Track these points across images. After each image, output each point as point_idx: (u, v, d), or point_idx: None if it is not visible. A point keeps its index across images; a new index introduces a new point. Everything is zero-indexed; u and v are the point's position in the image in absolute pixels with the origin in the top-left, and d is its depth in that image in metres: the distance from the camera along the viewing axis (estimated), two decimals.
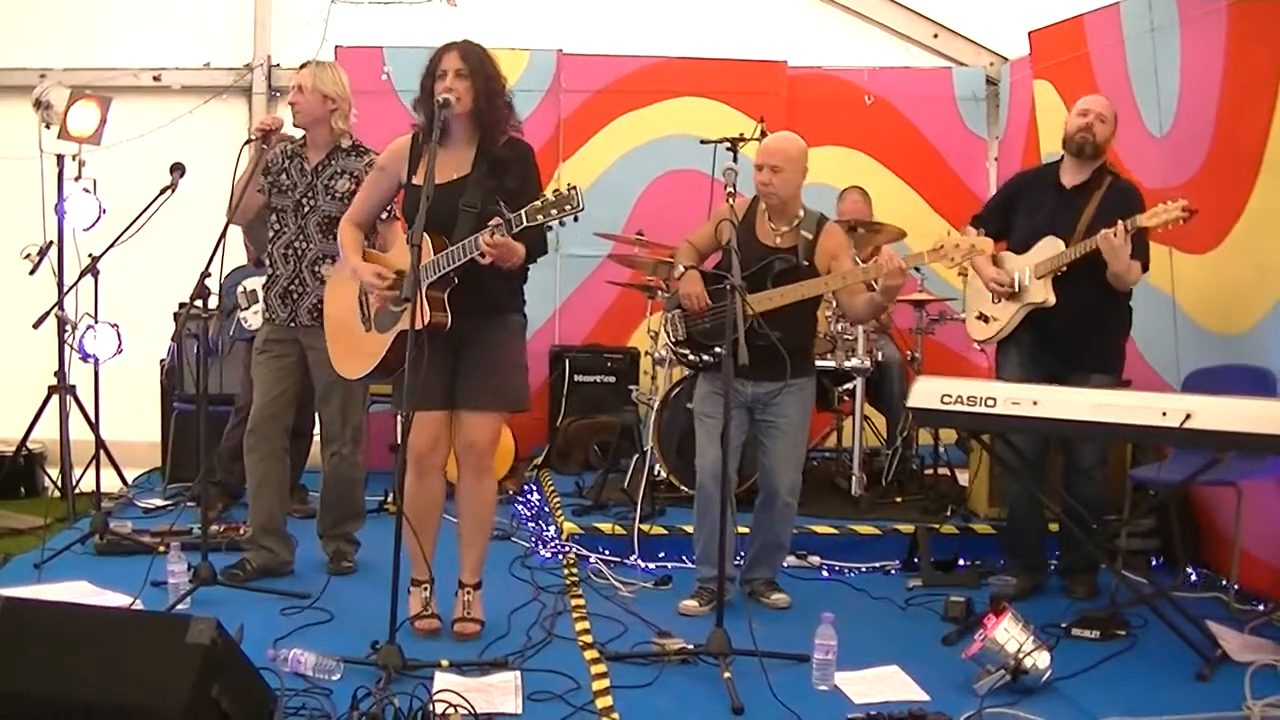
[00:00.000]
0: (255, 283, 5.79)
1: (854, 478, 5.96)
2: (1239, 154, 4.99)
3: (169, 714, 2.95)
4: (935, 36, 7.90)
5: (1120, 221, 4.57)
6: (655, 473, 5.81)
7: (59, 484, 6.18)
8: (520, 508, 6.27)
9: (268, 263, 4.96)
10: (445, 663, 3.88)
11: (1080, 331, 4.79)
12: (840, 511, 5.77)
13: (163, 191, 5.16)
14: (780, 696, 3.67)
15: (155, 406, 6.77)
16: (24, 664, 3.08)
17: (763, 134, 5.62)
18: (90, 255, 5.67)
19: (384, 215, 4.51)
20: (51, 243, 6.01)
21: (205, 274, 4.52)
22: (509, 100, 4.19)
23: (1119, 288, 4.75)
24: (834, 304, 5.71)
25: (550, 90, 7.49)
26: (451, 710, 3.45)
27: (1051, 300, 4.80)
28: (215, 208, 5.81)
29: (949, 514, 5.75)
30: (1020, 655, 3.79)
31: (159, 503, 6.21)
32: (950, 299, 6.56)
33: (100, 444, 6.00)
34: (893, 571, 5.40)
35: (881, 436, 6.53)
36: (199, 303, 4.52)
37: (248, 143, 4.92)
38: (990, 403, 4.30)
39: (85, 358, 6.05)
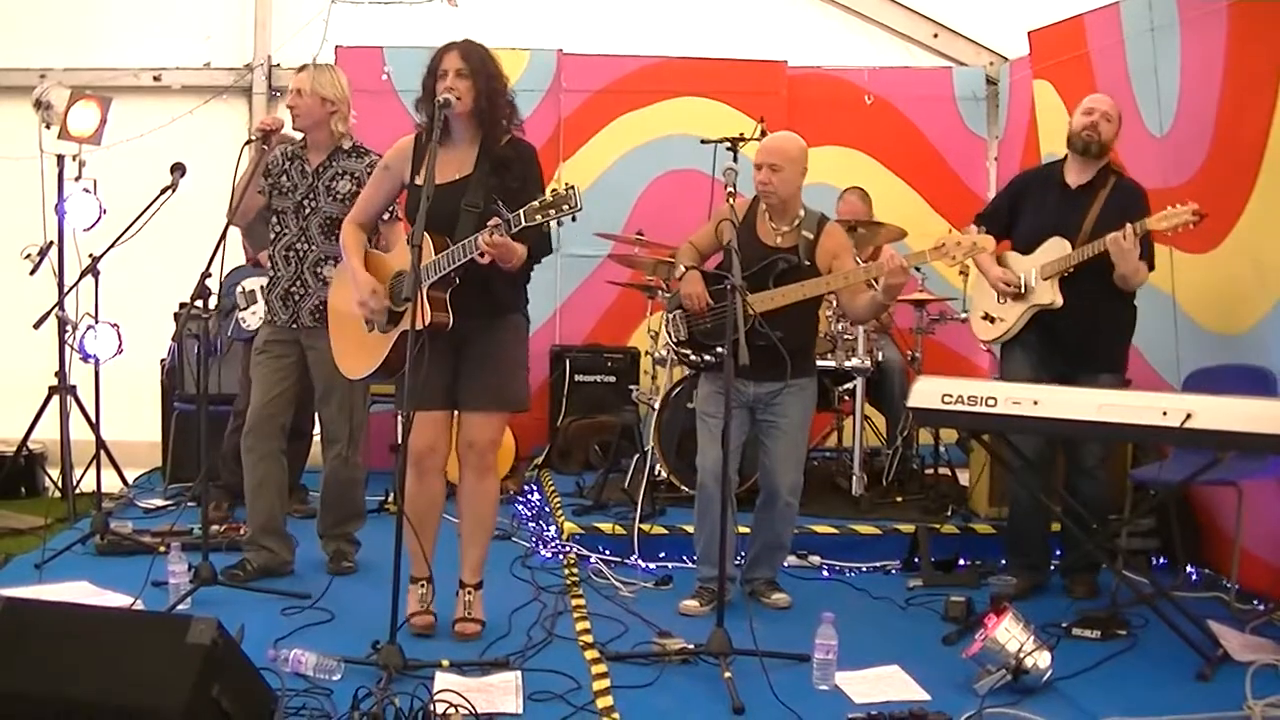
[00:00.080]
0: (254, 283, 5.79)
1: (854, 477, 5.96)
2: (1239, 154, 4.99)
3: (170, 714, 2.95)
4: (935, 36, 7.91)
5: (1129, 224, 4.57)
6: (656, 473, 5.81)
7: (60, 484, 6.19)
8: (521, 508, 6.27)
9: (268, 264, 4.96)
10: (446, 663, 3.88)
11: (1087, 332, 4.79)
12: (841, 511, 5.77)
13: (163, 191, 5.15)
14: (781, 696, 3.67)
15: (156, 406, 6.77)
16: (24, 664, 3.08)
17: (763, 134, 5.62)
18: (91, 255, 5.66)
19: (386, 216, 4.51)
20: (52, 243, 6.01)
21: (206, 274, 4.52)
22: (511, 100, 4.19)
23: (1125, 289, 4.76)
24: (834, 304, 5.71)
25: (550, 90, 7.49)
26: (452, 710, 3.45)
27: (1059, 302, 4.80)
28: (215, 208, 5.80)
29: (949, 514, 5.75)
30: (1021, 655, 3.79)
31: (159, 503, 6.22)
32: (950, 299, 6.55)
33: (101, 444, 6.00)
34: (893, 571, 5.40)
35: (882, 436, 6.53)
36: (199, 303, 4.52)
37: (248, 143, 4.93)
38: (991, 402, 4.30)
39: (86, 358, 6.04)
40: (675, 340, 4.91)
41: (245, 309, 5.84)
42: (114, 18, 7.47)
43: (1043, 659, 3.83)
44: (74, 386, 6.12)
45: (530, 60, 7.40)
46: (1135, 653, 4.28)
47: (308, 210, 4.86)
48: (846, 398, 6.19)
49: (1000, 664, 3.81)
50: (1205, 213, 4.53)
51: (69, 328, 5.98)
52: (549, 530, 5.73)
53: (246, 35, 7.60)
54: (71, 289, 5.86)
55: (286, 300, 4.86)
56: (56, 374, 6.09)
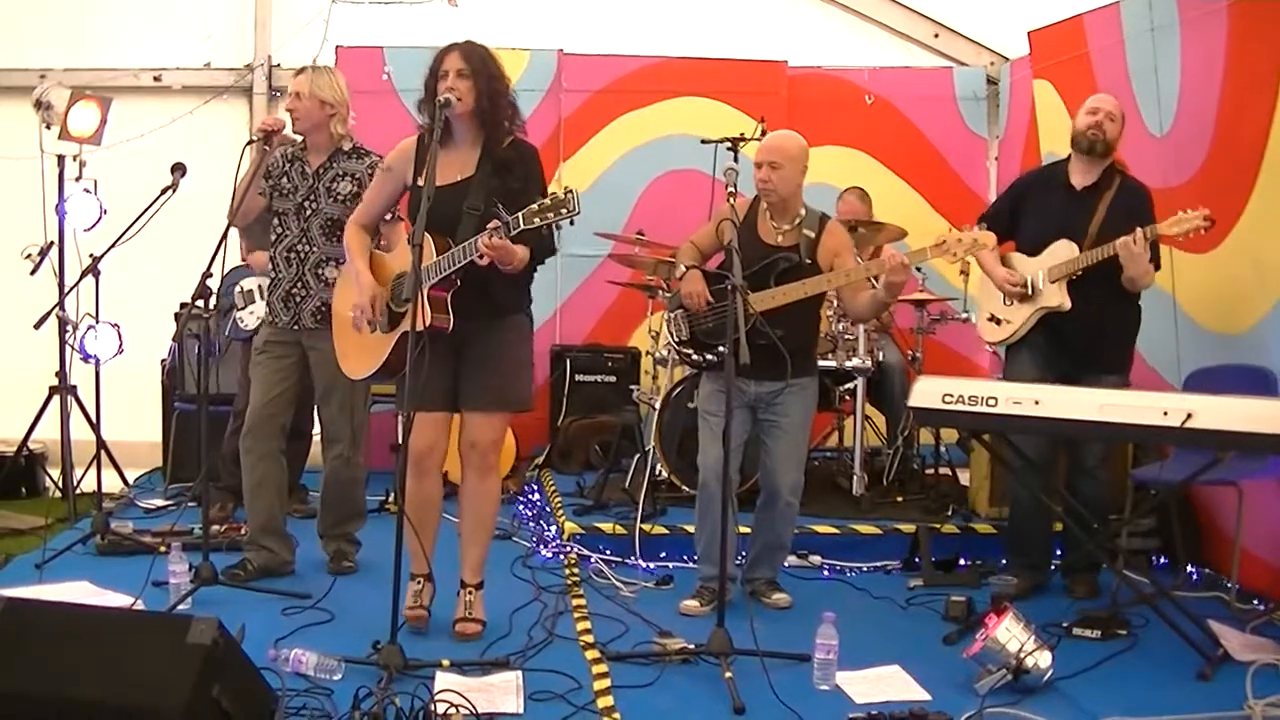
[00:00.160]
0: (252, 283, 5.80)
1: (855, 477, 5.96)
2: (1239, 154, 4.99)
3: (170, 714, 2.95)
4: (936, 36, 7.91)
5: (1140, 229, 4.57)
6: (656, 472, 5.81)
7: (60, 484, 6.19)
8: (521, 507, 6.27)
9: (263, 265, 4.95)
10: (446, 662, 3.88)
11: (1094, 334, 4.79)
12: (841, 511, 5.77)
13: (163, 192, 5.16)
14: (781, 696, 3.67)
15: (156, 406, 6.78)
16: (25, 664, 3.08)
17: (763, 134, 5.60)
18: (91, 255, 5.66)
19: (388, 217, 4.51)
20: (52, 243, 6.01)
21: (206, 274, 4.52)
22: (513, 101, 4.19)
23: (1133, 290, 4.76)
24: (835, 303, 5.71)
25: (551, 90, 7.49)
26: (453, 710, 3.45)
27: (1068, 304, 4.79)
28: (216, 208, 5.80)
29: (950, 514, 5.74)
30: (1021, 655, 3.79)
31: (160, 503, 6.22)
32: (951, 299, 6.55)
33: (101, 444, 6.00)
34: (894, 571, 5.40)
35: (883, 436, 6.53)
36: (200, 303, 4.53)
37: (249, 144, 4.93)
38: (991, 402, 4.30)
39: (86, 358, 6.04)
40: (677, 340, 4.91)
41: (243, 309, 5.84)
42: (114, 18, 7.47)
43: (1043, 659, 3.83)
44: (74, 386, 6.12)
45: (530, 60, 7.40)
46: (1136, 652, 4.28)
47: (309, 212, 4.86)
48: (847, 397, 6.19)
49: (1001, 664, 3.81)
50: (1215, 218, 4.53)
51: (69, 328, 5.98)
52: (549, 530, 5.73)
53: (247, 35, 7.60)
54: (72, 289, 5.86)
55: (288, 301, 4.86)
56: (57, 374, 6.09)
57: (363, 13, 7.46)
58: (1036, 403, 4.24)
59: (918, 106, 7.72)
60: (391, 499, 5.99)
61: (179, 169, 5.16)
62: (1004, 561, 5.13)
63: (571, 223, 3.87)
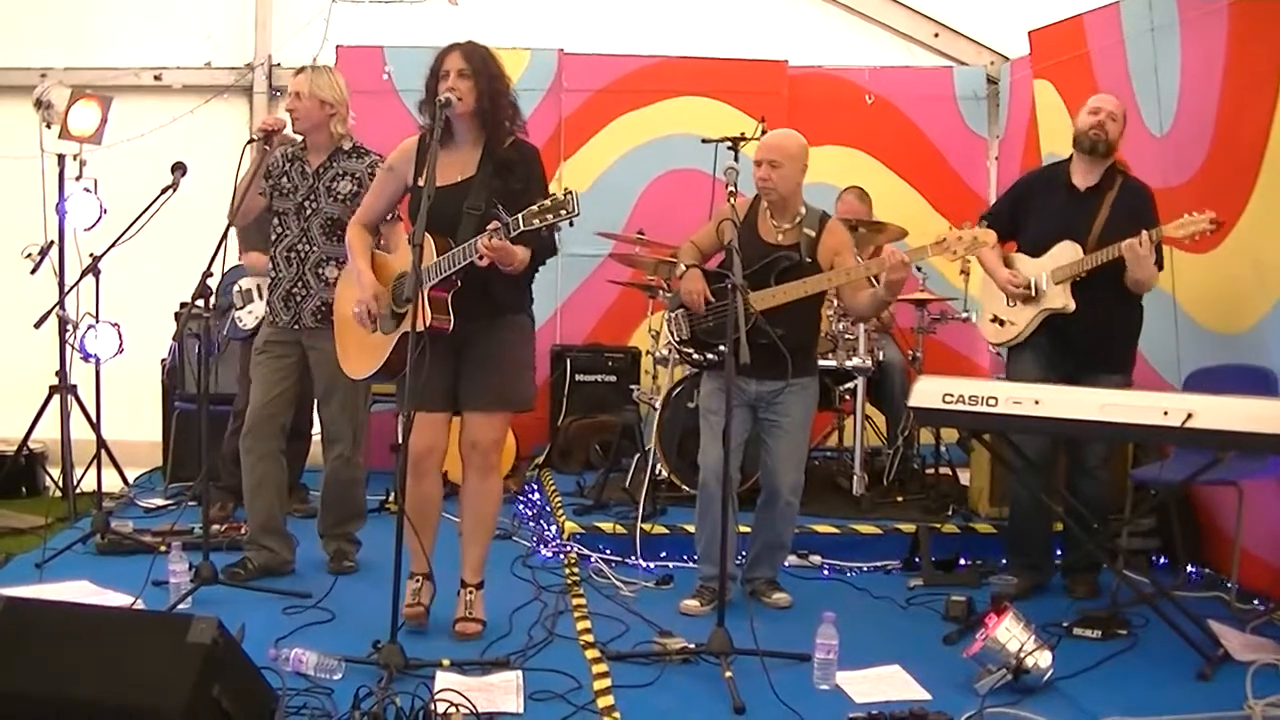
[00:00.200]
0: (250, 282, 5.80)
1: (855, 477, 5.95)
2: (1239, 154, 4.99)
3: (170, 714, 2.95)
4: (936, 36, 7.90)
5: (1145, 231, 4.56)
6: (657, 472, 5.81)
7: (60, 483, 6.19)
8: (521, 507, 6.27)
9: (269, 265, 4.96)
10: (447, 662, 3.88)
11: (1098, 335, 4.79)
12: (841, 511, 5.77)
13: (164, 191, 5.16)
14: (782, 696, 3.67)
15: (156, 406, 6.78)
16: (25, 664, 3.08)
17: (763, 133, 5.60)
18: (91, 255, 5.66)
19: (388, 217, 4.51)
20: (52, 242, 6.01)
21: (207, 273, 4.53)
22: (514, 101, 4.19)
23: (1137, 292, 4.76)
24: (835, 303, 5.71)
25: (551, 89, 7.49)
26: (453, 710, 3.45)
27: (1072, 306, 4.79)
28: (216, 207, 5.79)
29: (950, 513, 5.75)
30: (1021, 655, 3.79)
31: (160, 502, 6.22)
32: (951, 298, 6.56)
33: (101, 443, 6.00)
34: (894, 571, 5.40)
35: (883, 436, 6.53)
36: (200, 302, 4.53)
37: (249, 143, 4.92)
38: (992, 402, 4.29)
39: (86, 357, 6.04)
40: (678, 339, 4.91)
41: (241, 308, 5.84)
42: (114, 17, 7.47)
43: (1043, 659, 3.82)
44: (74, 386, 6.12)
45: (531, 60, 7.40)
46: (1136, 652, 4.28)
47: (309, 211, 4.86)
48: (847, 397, 6.19)
49: (1001, 663, 3.81)
50: (1221, 220, 4.52)
51: (70, 327, 5.98)
52: (550, 530, 5.73)
53: (247, 35, 7.60)
54: (72, 288, 5.86)
55: (288, 301, 4.86)
56: (57, 373, 6.08)
57: (363, 12, 7.46)
58: (1037, 402, 4.24)
59: (918, 106, 7.72)
60: (391, 499, 6.00)
61: (179, 168, 5.16)
62: (1004, 561, 5.13)
63: (571, 224, 3.87)
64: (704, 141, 6.11)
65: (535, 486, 6.59)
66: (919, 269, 6.46)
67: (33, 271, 5.98)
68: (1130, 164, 4.96)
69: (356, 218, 4.43)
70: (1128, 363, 4.91)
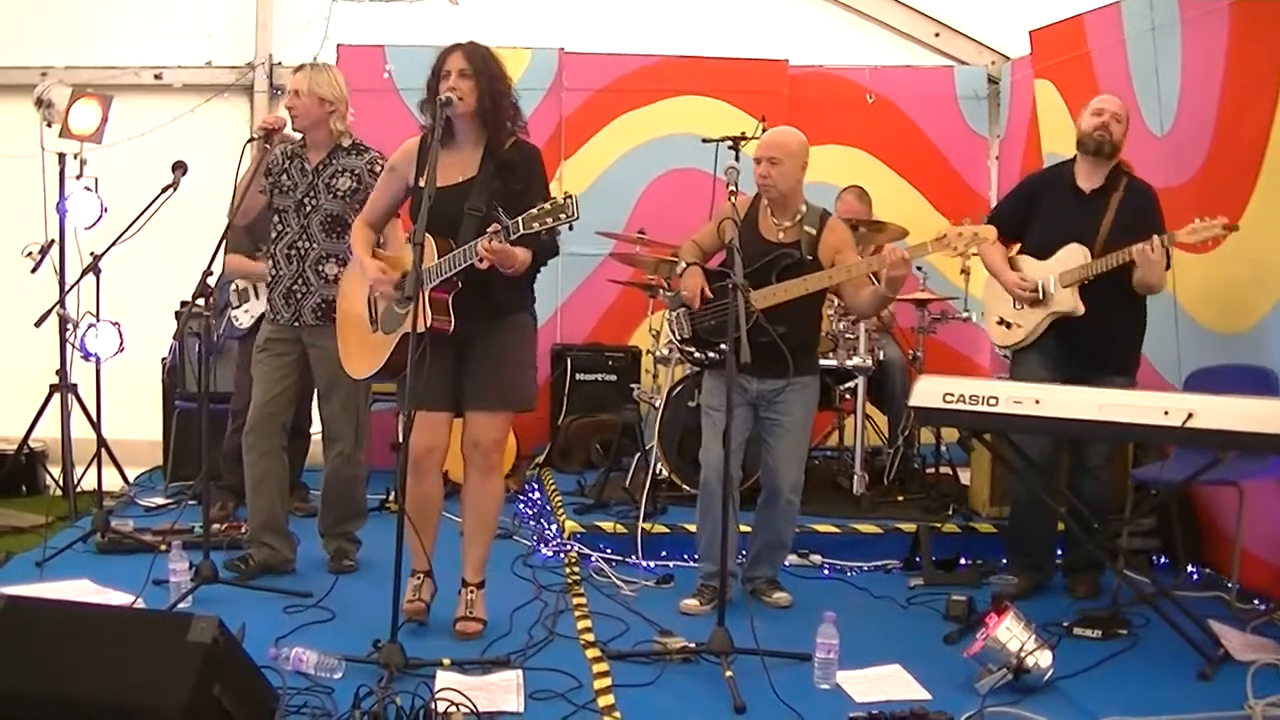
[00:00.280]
0: (246, 281, 5.80)
1: (856, 476, 5.96)
2: (1240, 153, 4.99)
3: (170, 713, 2.95)
4: (937, 35, 7.91)
5: (1156, 236, 4.56)
6: (657, 471, 5.81)
7: (60, 482, 6.19)
8: (522, 506, 6.27)
9: (269, 263, 4.96)
10: (447, 661, 3.88)
11: (1104, 337, 4.78)
12: (842, 510, 5.77)
13: (164, 190, 5.16)
14: (782, 695, 3.67)
15: (157, 405, 6.78)
16: (25, 663, 3.08)
17: (764, 133, 5.61)
18: (92, 254, 5.66)
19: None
20: (53, 241, 6.00)
21: (207, 272, 4.53)
22: (515, 102, 4.19)
23: (1144, 294, 4.77)
24: (836, 302, 5.71)
25: (552, 89, 7.49)
26: (453, 709, 3.45)
27: (1081, 309, 4.77)
28: (217, 206, 5.80)
29: (950, 513, 5.75)
30: (1022, 654, 3.79)
31: (160, 501, 6.22)
32: (952, 298, 6.56)
33: (102, 442, 6.00)
34: (894, 570, 5.40)
35: (883, 435, 6.53)
36: (200, 301, 4.53)
37: (250, 142, 4.92)
38: (992, 402, 4.29)
39: (87, 356, 6.04)
40: (679, 338, 4.91)
41: (238, 307, 5.84)
42: (115, 16, 7.47)
43: (1044, 658, 3.83)
44: (75, 385, 6.12)
45: (532, 59, 7.40)
46: (1136, 652, 4.28)
47: (308, 208, 4.86)
48: (848, 397, 6.19)
49: (1001, 663, 3.81)
50: (1234, 225, 4.51)
51: (70, 326, 5.98)
52: (550, 529, 5.73)
53: (248, 34, 7.60)
54: (73, 287, 5.86)
55: (289, 298, 4.87)
56: (58, 372, 6.08)
57: (363, 11, 7.46)
58: (1037, 402, 4.24)
59: (919, 106, 7.72)
60: (392, 498, 6.00)
61: (180, 167, 5.16)
62: (1004, 561, 5.13)
63: (570, 228, 3.89)
64: (704, 141, 6.11)
65: (536, 486, 6.60)
66: (919, 268, 6.47)
67: (33, 270, 5.98)
68: (1131, 164, 4.95)
69: (362, 216, 4.44)
70: (1132, 365, 4.91)
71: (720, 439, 4.42)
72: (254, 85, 7.55)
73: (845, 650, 3.94)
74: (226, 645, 3.10)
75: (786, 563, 5.08)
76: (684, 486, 5.74)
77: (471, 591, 4.34)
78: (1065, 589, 5.03)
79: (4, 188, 6.74)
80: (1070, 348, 4.85)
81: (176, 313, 6.67)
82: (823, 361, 5.43)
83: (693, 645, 4.07)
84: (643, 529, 5.42)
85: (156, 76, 7.47)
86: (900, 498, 6.00)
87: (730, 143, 5.74)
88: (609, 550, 5.41)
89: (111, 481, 6.13)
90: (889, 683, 3.94)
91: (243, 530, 5.22)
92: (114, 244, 5.42)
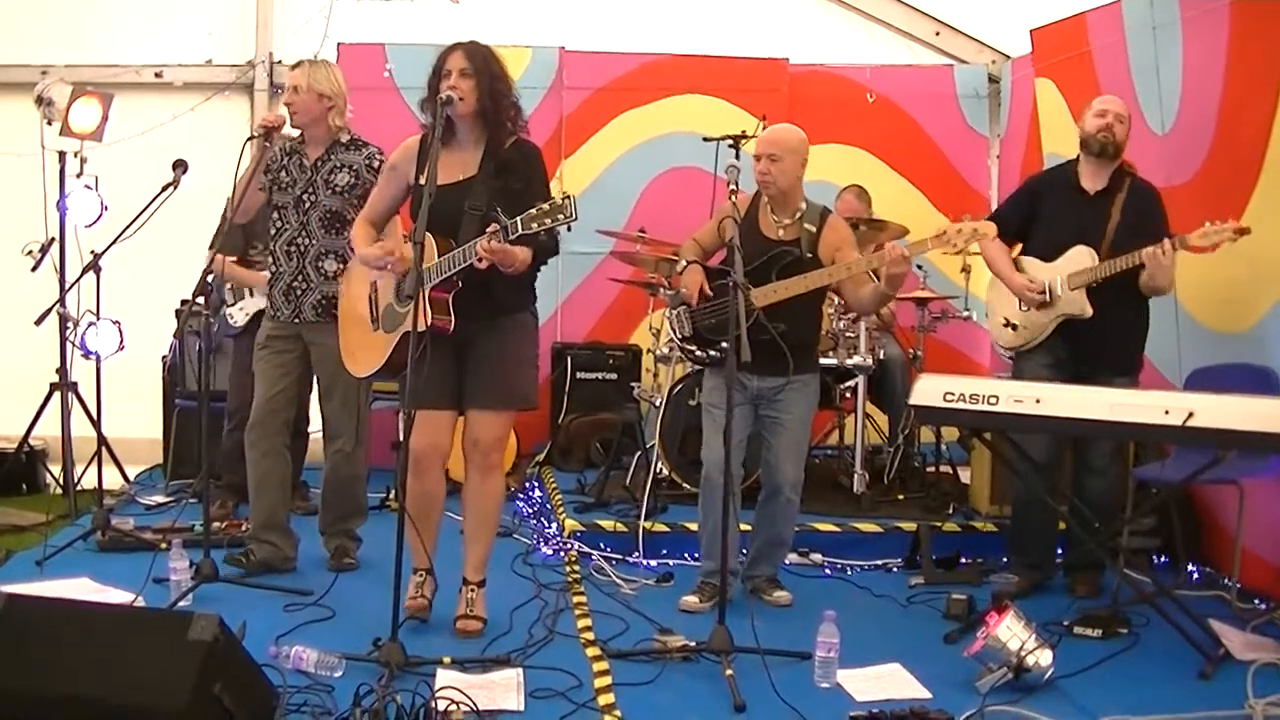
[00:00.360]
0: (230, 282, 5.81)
1: (856, 475, 5.96)
2: (1241, 152, 4.99)
3: (171, 711, 2.95)
4: (937, 34, 7.91)
5: (1167, 239, 4.56)
6: (658, 470, 5.81)
7: (61, 481, 6.19)
8: (522, 505, 6.27)
9: (269, 260, 4.96)
10: (447, 660, 3.88)
11: (1107, 337, 4.78)
12: (842, 509, 5.78)
13: (165, 188, 5.16)
14: (782, 694, 3.67)
15: (157, 403, 6.78)
16: (25, 662, 3.08)
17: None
18: (92, 252, 5.66)
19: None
20: (53, 239, 6.00)
21: (207, 270, 4.53)
22: (516, 101, 4.18)
23: (1151, 295, 4.77)
24: (837, 300, 5.71)
25: (552, 87, 7.48)
26: (454, 707, 3.45)
27: (1090, 311, 4.76)
28: (217, 205, 5.82)
29: (951, 512, 5.75)
30: (1022, 653, 3.79)
31: (161, 499, 6.23)
32: (953, 297, 6.56)
33: (102, 441, 6.00)
34: (895, 569, 5.40)
35: (883, 434, 6.53)
36: (201, 299, 4.53)
37: (250, 140, 4.92)
38: (993, 400, 4.29)
39: (87, 354, 6.04)
40: (680, 336, 4.91)
41: (233, 305, 5.84)
42: (116, 14, 7.47)
43: (1044, 657, 3.82)
44: (75, 383, 6.12)
45: (532, 57, 7.39)
46: (1137, 651, 4.28)
47: (307, 205, 4.86)
48: (848, 395, 6.19)
49: (1001, 662, 3.81)
50: (1245, 229, 4.51)
51: (70, 324, 5.98)
52: (550, 527, 5.73)
53: (248, 32, 7.60)
54: (73, 286, 5.86)
55: (289, 295, 4.87)
56: (58, 370, 6.08)
57: (364, 9, 7.47)
58: (1038, 401, 4.23)
59: (919, 104, 7.72)
60: (392, 496, 6.00)
61: (180, 166, 5.16)
62: (1005, 560, 5.13)
63: (569, 228, 3.89)
64: (705, 140, 6.10)
65: (536, 484, 6.60)
66: (919, 267, 6.47)
67: (34, 269, 5.98)
68: (1133, 162, 4.95)
69: (363, 215, 4.44)
70: (1135, 365, 4.90)
71: (722, 436, 4.42)
72: (254, 84, 7.54)
73: (845, 649, 3.94)
74: (227, 644, 3.11)
75: (787, 561, 5.08)
76: (684, 485, 5.74)
77: (472, 590, 4.34)
78: (1066, 588, 5.03)
79: (4, 186, 6.73)
80: (1075, 348, 4.85)
81: (177, 311, 6.67)
82: (823, 360, 5.43)
83: (693, 644, 4.07)
84: (643, 527, 5.41)
85: (157, 75, 7.46)
86: (900, 496, 6.00)
87: (731, 141, 5.73)
88: (609, 549, 5.41)
89: (112, 480, 6.14)
90: (889, 681, 3.94)
91: (243, 528, 5.23)
92: (114, 242, 5.42)
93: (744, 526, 4.92)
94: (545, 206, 3.82)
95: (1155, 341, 5.28)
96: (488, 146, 4.15)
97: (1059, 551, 5.19)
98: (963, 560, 5.38)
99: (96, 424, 6.00)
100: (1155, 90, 5.57)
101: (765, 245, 4.65)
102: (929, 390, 4.43)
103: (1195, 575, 5.17)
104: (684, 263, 4.81)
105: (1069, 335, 4.85)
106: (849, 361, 5.94)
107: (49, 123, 6.04)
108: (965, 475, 6.18)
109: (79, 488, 6.05)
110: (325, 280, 4.83)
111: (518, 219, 3.83)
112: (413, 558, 4.29)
